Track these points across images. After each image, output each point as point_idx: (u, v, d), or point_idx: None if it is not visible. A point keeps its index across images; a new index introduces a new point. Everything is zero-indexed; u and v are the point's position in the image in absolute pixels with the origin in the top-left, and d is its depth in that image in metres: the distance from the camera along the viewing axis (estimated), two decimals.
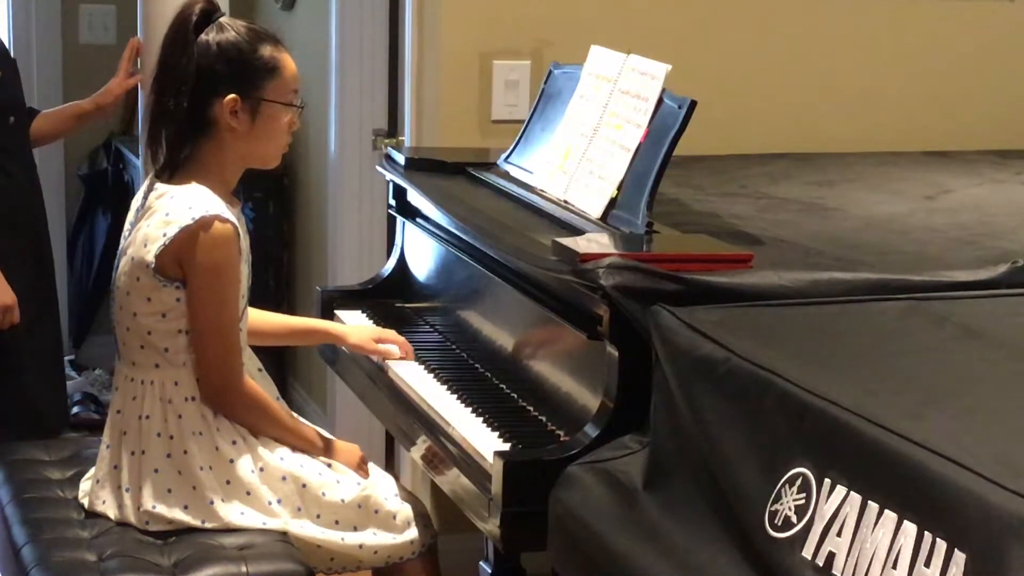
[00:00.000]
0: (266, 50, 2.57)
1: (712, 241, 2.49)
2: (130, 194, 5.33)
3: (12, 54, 3.81)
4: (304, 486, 2.61)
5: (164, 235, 2.49)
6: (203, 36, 2.53)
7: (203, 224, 2.48)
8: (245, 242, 2.60)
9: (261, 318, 2.90)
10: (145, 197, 2.60)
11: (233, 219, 2.53)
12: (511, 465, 2.29)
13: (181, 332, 2.54)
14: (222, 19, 2.57)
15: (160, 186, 2.57)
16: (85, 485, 2.66)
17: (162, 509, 2.53)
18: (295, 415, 2.76)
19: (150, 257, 2.49)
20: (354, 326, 3.03)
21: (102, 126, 5.33)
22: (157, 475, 2.54)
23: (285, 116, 2.60)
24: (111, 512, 2.57)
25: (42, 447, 2.91)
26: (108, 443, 2.60)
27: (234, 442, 2.58)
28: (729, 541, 1.89)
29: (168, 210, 2.51)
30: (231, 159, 2.59)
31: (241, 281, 2.58)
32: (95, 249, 5.60)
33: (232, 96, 2.53)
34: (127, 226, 2.62)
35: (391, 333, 2.96)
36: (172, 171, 2.57)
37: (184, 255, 2.48)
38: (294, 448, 2.65)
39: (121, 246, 2.61)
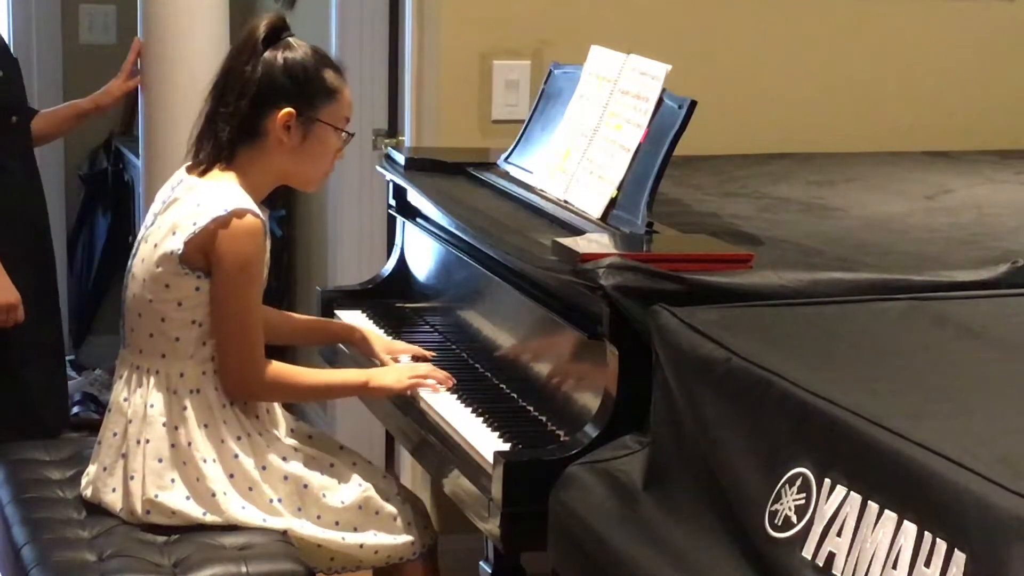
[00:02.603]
0: (329, 74, 2.62)
1: (712, 241, 2.49)
2: (130, 194, 5.36)
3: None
4: (305, 487, 2.62)
5: (195, 224, 2.50)
6: (270, 51, 2.58)
7: (236, 214, 2.50)
8: (267, 246, 2.62)
9: (272, 314, 2.90)
10: (173, 189, 2.61)
11: (263, 216, 2.55)
12: (511, 465, 2.29)
13: (195, 323, 2.55)
14: (291, 39, 2.61)
15: (191, 179, 2.58)
16: (89, 473, 2.65)
17: (165, 499, 2.53)
18: (324, 372, 2.80)
19: (178, 244, 2.51)
20: (368, 332, 2.96)
21: (102, 126, 5.34)
22: (161, 464, 2.54)
23: (334, 142, 2.63)
24: (116, 501, 2.57)
25: (42, 447, 2.91)
26: (115, 431, 2.60)
27: (239, 437, 2.58)
28: (729, 541, 1.89)
29: (200, 201, 2.53)
30: (269, 171, 2.62)
31: (263, 281, 2.60)
32: (95, 249, 5.60)
33: (288, 110, 2.56)
34: (150, 215, 2.64)
35: (403, 345, 2.94)
36: (207, 169, 2.59)
37: (213, 244, 2.50)
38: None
39: (141, 234, 2.63)
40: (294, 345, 3.28)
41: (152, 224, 2.61)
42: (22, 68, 3.76)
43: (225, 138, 2.58)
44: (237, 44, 2.64)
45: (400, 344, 2.93)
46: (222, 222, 2.49)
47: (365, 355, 2.90)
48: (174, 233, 2.53)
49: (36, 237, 3.68)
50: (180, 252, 2.51)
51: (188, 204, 2.55)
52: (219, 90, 2.61)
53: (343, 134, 2.65)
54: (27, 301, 3.46)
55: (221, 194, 2.53)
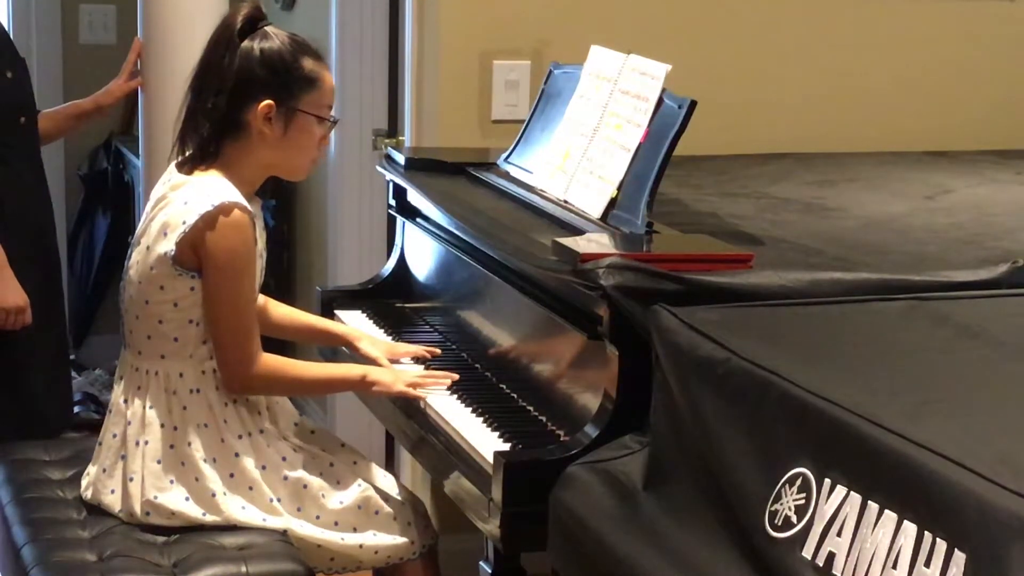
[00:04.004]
0: (307, 62, 2.60)
1: (712, 241, 2.49)
2: (130, 194, 5.36)
3: None
4: (305, 487, 2.62)
5: (184, 223, 2.50)
6: (247, 42, 2.56)
7: (223, 209, 2.50)
8: (261, 239, 2.63)
9: (276, 308, 2.91)
10: (163, 186, 2.61)
11: (251, 209, 2.55)
12: (511, 465, 2.29)
13: (192, 322, 2.56)
14: (267, 27, 2.60)
15: (179, 177, 2.58)
16: (89, 474, 2.65)
17: (164, 500, 2.53)
18: (320, 366, 2.84)
19: (170, 245, 2.51)
20: (370, 336, 2.98)
21: (102, 126, 5.34)
22: (160, 466, 2.55)
23: (317, 130, 2.62)
24: (116, 502, 2.57)
25: (42, 447, 2.91)
26: (115, 432, 2.60)
27: (240, 436, 2.59)
28: (729, 541, 1.89)
29: (187, 199, 2.53)
30: (256, 164, 2.61)
31: (256, 275, 2.60)
32: (95, 249, 5.60)
33: (268, 102, 2.55)
34: (144, 216, 2.64)
35: (404, 346, 2.93)
36: (194, 166, 2.58)
37: (202, 241, 2.50)
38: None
39: (135, 235, 2.63)
40: (294, 342, 3.28)
41: (144, 225, 2.61)
42: None
43: (208, 135, 2.57)
44: (214, 35, 2.61)
45: (403, 346, 2.92)
46: (209, 219, 2.49)
47: (366, 359, 2.90)
48: (165, 234, 2.52)
49: (43, 239, 3.67)
50: (173, 253, 2.51)
51: (176, 203, 2.54)
52: (198, 84, 2.60)
53: (326, 122, 2.64)
54: (33, 303, 3.45)
55: (207, 190, 2.52)
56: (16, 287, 3.41)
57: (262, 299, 2.85)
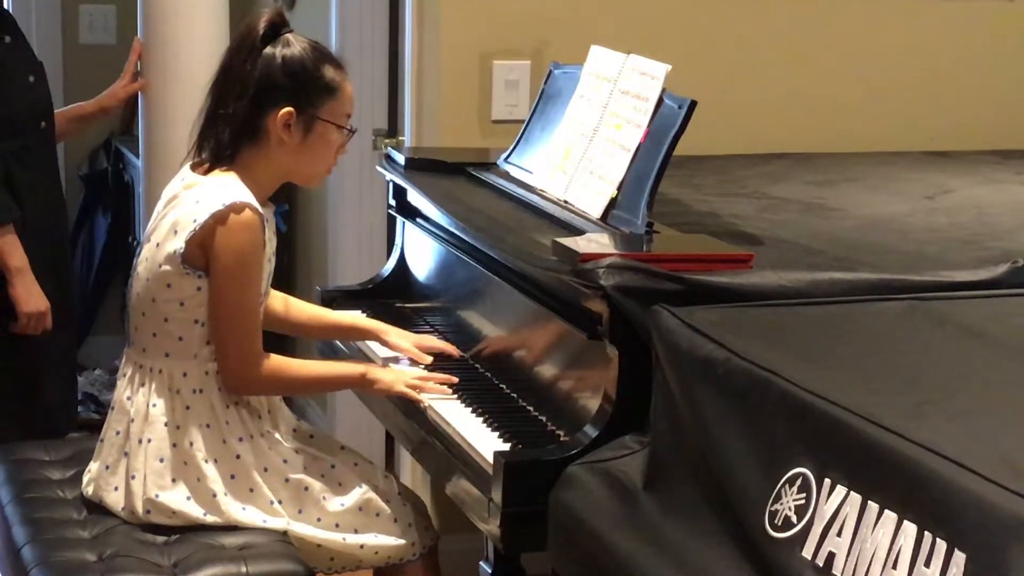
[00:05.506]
0: (328, 71, 2.60)
1: (712, 241, 2.50)
2: (130, 194, 5.36)
3: None
4: (306, 489, 2.62)
5: (195, 221, 2.51)
6: (269, 48, 2.56)
7: (234, 208, 2.50)
8: (271, 244, 2.63)
9: (297, 307, 2.91)
10: (176, 186, 2.61)
11: (261, 211, 2.55)
12: (511, 465, 2.29)
13: (197, 323, 2.56)
14: (289, 35, 2.60)
15: (192, 177, 2.59)
16: (90, 471, 2.65)
17: (165, 499, 2.54)
18: (321, 364, 2.84)
19: (179, 243, 2.51)
20: (396, 328, 2.95)
21: (102, 126, 5.34)
22: (162, 464, 2.55)
23: (336, 138, 2.62)
24: (118, 500, 2.57)
25: (42, 447, 2.91)
26: (118, 430, 2.61)
27: (241, 439, 2.58)
28: (729, 541, 1.89)
29: (199, 198, 2.53)
30: (272, 169, 2.61)
31: (262, 276, 2.60)
32: (95, 249, 5.59)
33: (288, 109, 2.55)
34: (155, 213, 2.64)
35: (430, 339, 2.93)
36: (210, 167, 2.59)
37: (211, 239, 2.50)
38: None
39: (146, 232, 2.63)
40: (293, 338, 3.28)
41: (155, 223, 2.61)
42: None
43: (226, 139, 2.57)
44: (236, 40, 2.62)
45: (429, 339, 2.92)
46: (220, 217, 2.49)
47: (395, 351, 2.89)
48: (175, 232, 2.53)
49: (57, 243, 3.65)
50: (182, 251, 2.51)
51: (188, 202, 2.55)
52: (218, 88, 2.60)
53: (345, 130, 2.65)
54: (50, 307, 3.45)
55: (220, 190, 2.53)
56: (38, 292, 3.41)
57: (283, 298, 2.86)
